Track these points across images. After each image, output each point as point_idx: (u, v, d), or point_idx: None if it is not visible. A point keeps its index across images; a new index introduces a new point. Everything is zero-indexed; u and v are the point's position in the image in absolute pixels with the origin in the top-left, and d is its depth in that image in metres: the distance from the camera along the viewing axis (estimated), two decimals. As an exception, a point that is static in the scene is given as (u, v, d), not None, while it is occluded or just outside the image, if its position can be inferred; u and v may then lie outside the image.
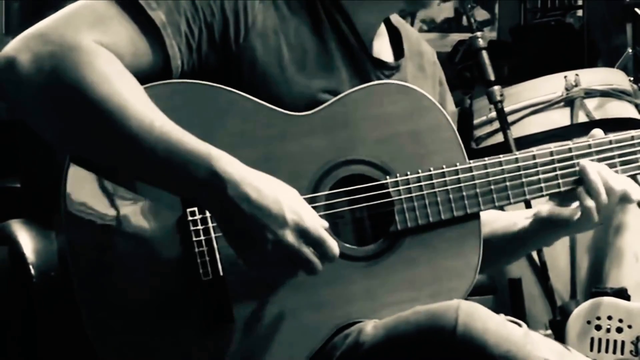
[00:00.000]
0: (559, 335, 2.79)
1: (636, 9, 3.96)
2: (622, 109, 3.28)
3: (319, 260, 1.61)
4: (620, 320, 2.61)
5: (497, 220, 2.01)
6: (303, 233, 1.58)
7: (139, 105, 1.57)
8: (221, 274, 1.64)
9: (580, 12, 5.54)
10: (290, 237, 1.57)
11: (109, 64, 1.58)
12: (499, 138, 3.06)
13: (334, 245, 1.61)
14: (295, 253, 1.58)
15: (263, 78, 1.73)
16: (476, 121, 3.30)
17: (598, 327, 2.62)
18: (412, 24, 6.47)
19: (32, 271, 1.74)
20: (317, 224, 1.61)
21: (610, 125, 3.16)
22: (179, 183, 1.58)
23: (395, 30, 2.01)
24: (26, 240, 1.78)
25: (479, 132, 3.31)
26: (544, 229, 1.94)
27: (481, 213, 1.83)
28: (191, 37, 1.68)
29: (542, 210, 1.93)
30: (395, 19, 2.04)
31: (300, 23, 1.78)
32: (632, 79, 3.52)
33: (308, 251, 1.59)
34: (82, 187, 1.61)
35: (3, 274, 1.78)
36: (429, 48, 2.10)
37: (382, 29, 1.97)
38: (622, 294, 2.80)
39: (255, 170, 1.59)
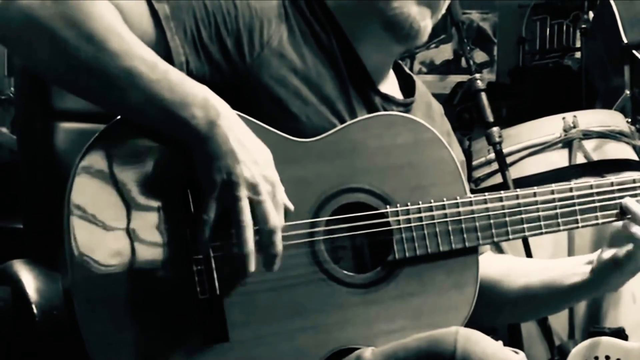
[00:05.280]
0: (558, 374, 2.80)
1: (634, 51, 3.99)
2: (620, 151, 3.30)
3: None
4: (618, 360, 2.62)
5: (545, 271, 1.99)
6: (272, 185, 1.62)
7: (142, 48, 1.62)
8: (218, 292, 1.65)
9: (578, 54, 5.57)
10: (259, 179, 1.60)
11: (111, 11, 1.63)
12: (497, 179, 3.07)
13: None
14: (255, 198, 1.60)
15: (278, 94, 1.76)
16: (475, 162, 3.32)
17: (596, 367, 2.63)
18: (411, 66, 6.51)
19: (35, 310, 1.74)
20: (281, 192, 1.64)
21: (608, 166, 3.18)
22: (176, 116, 1.60)
23: (408, 77, 2.04)
24: (29, 280, 1.78)
25: (477, 173, 3.33)
26: (611, 274, 1.89)
27: (524, 263, 1.88)
28: (198, 39, 1.71)
29: (604, 255, 1.90)
30: (406, 69, 2.07)
31: (314, 53, 1.82)
32: (629, 120, 3.54)
33: (271, 204, 1.62)
34: (83, 223, 1.62)
35: (6, 314, 1.78)
36: (437, 103, 2.13)
37: (392, 76, 2.01)
38: (620, 333, 2.82)
39: None
